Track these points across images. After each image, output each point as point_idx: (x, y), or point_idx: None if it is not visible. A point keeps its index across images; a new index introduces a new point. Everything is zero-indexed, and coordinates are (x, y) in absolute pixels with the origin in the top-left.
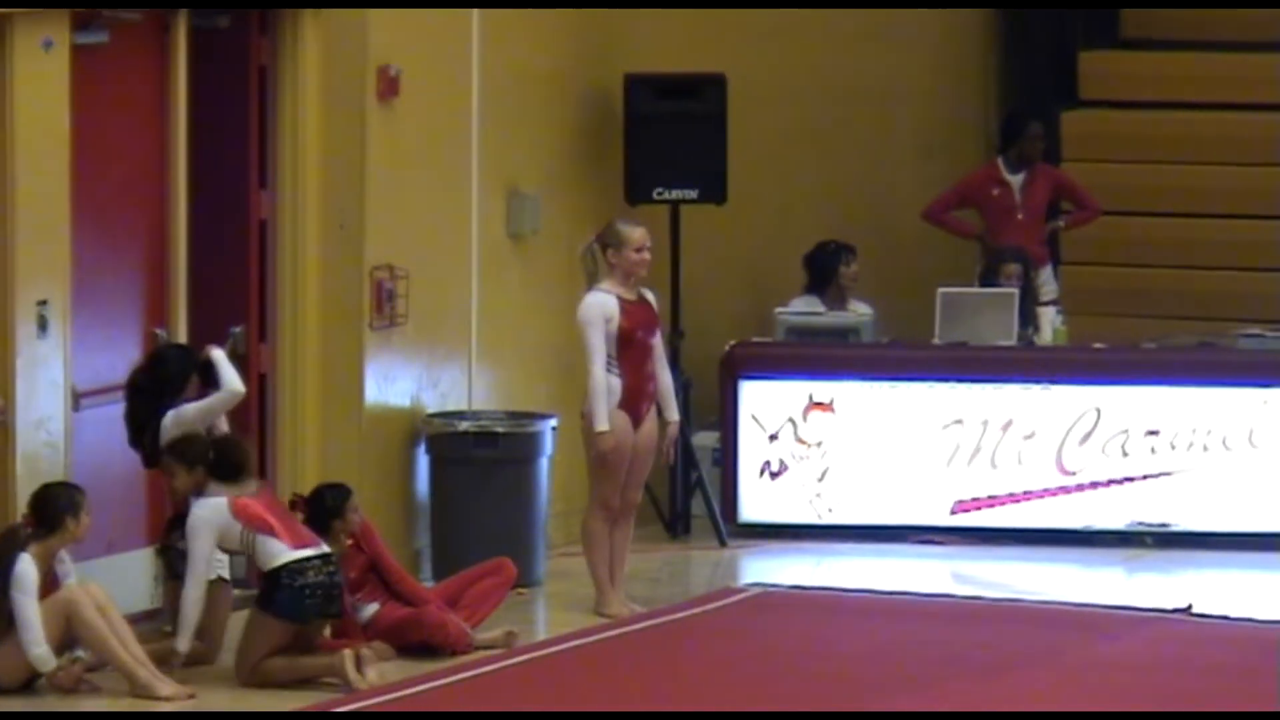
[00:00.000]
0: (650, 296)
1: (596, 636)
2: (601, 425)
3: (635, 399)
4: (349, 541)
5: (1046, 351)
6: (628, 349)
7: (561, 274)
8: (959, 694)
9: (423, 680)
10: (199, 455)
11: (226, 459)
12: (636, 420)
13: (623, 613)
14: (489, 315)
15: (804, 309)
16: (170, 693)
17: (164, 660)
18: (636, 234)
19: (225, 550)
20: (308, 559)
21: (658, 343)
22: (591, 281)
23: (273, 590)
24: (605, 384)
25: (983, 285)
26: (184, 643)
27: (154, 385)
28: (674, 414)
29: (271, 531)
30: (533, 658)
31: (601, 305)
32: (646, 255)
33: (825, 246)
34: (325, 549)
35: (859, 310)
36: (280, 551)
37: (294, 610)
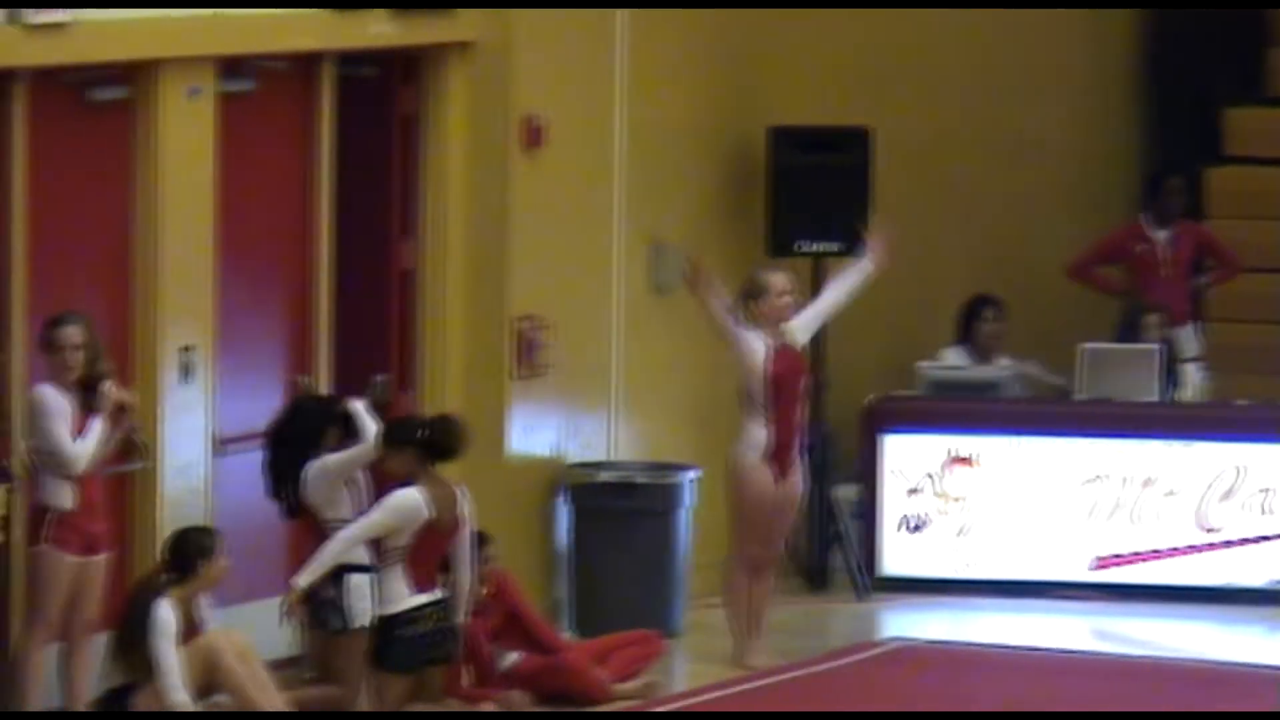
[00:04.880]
0: (792, 333)
1: (735, 689)
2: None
3: (782, 451)
4: (487, 591)
5: (1189, 408)
6: (779, 395)
7: (703, 326)
8: None
9: None
10: (409, 436)
11: (439, 440)
12: (782, 471)
13: (761, 665)
14: (631, 366)
15: (952, 362)
16: None
17: (305, 706)
18: (778, 280)
19: (382, 545)
20: (421, 607)
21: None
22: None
23: (386, 645)
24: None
25: (1122, 338)
26: (304, 578)
27: (293, 437)
28: None
29: (408, 562)
30: (671, 710)
31: (747, 338)
32: (789, 299)
33: (973, 301)
34: (439, 594)
35: (1003, 365)
36: (400, 595)
37: (408, 663)
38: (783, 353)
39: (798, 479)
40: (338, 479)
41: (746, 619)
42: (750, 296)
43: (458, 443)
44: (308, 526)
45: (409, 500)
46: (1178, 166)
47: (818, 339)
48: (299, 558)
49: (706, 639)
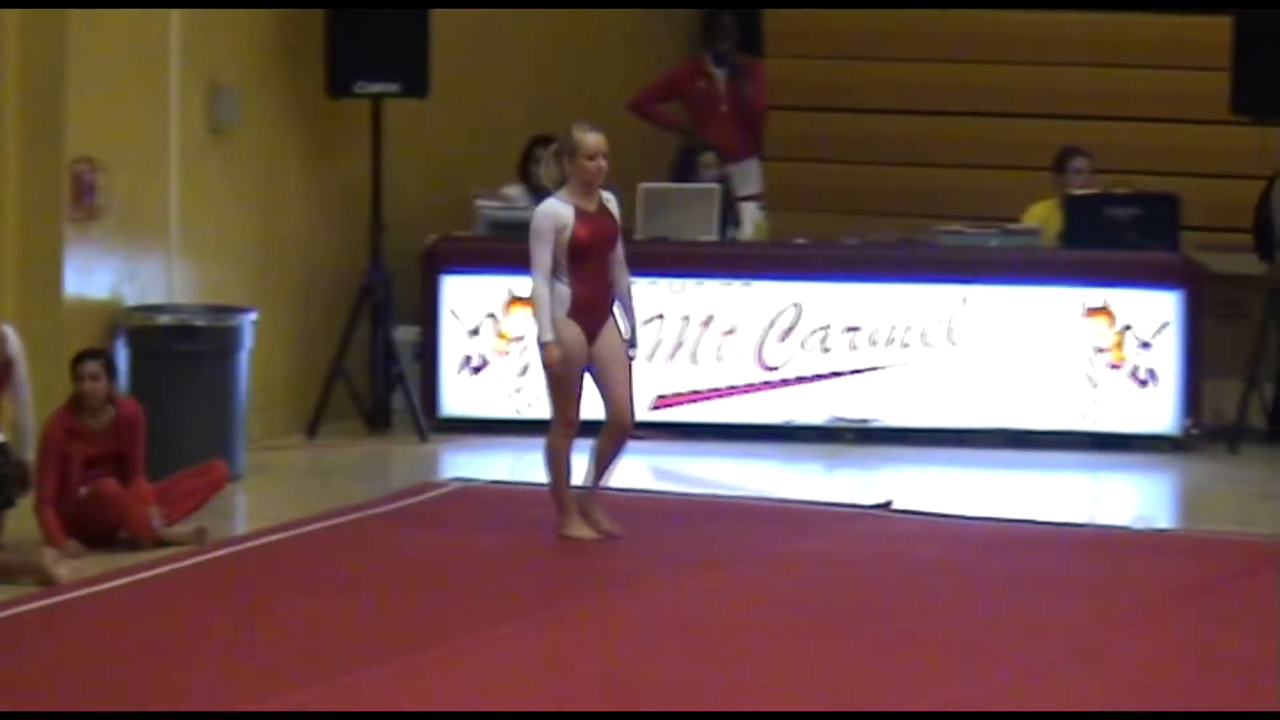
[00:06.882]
0: (613, 204)
1: (295, 531)
2: (546, 335)
3: (588, 309)
4: None
5: (747, 247)
6: (582, 260)
7: (262, 168)
8: (663, 588)
9: (116, 576)
10: None
11: None
12: (591, 332)
13: (587, 535)
14: (189, 209)
15: (512, 199)
16: None
17: None
18: (590, 140)
19: None
20: None
21: (619, 253)
22: (555, 189)
23: None
24: (547, 296)
25: (677, 176)
26: None
27: None
28: (628, 333)
29: None
30: (227, 553)
31: (554, 215)
32: (602, 163)
33: (531, 141)
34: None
35: None
36: None
37: None
38: (590, 218)
39: (613, 334)
40: None
41: (569, 487)
42: (560, 153)
43: None
44: None
45: None
46: (735, 5)
47: (375, 181)
48: None
49: (267, 481)
